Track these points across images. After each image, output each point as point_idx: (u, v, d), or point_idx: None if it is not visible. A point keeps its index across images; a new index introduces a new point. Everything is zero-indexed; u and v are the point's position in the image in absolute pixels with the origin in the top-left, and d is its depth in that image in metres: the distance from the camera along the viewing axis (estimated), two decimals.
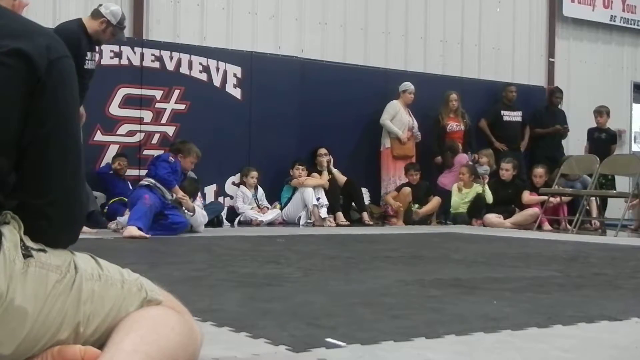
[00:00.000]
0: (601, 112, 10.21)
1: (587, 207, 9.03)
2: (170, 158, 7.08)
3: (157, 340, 1.45)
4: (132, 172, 8.11)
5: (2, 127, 1.40)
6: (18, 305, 1.35)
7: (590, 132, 10.32)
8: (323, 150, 9.08)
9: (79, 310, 1.45)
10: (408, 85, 9.55)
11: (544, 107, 10.95)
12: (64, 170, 1.49)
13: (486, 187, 9.34)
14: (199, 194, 7.54)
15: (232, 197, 8.70)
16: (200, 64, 8.68)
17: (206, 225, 7.40)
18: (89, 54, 6.17)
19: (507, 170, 9.35)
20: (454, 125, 9.93)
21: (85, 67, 6.07)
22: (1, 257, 1.34)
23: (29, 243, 1.42)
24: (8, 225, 1.41)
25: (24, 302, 1.36)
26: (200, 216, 7.07)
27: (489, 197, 9.26)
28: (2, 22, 1.46)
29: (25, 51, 1.41)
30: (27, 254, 1.39)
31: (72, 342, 1.45)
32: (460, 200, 9.35)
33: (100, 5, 6.34)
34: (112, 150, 8.10)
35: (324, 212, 8.58)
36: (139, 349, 1.40)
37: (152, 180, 6.83)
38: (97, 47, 6.46)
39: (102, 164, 8.03)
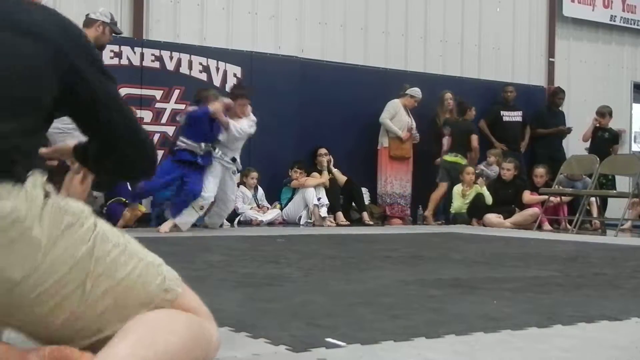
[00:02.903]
0: (603, 113, 10.16)
1: (587, 207, 9.03)
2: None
3: (153, 345, 1.44)
4: None
5: (32, 96, 1.50)
6: (34, 235, 1.40)
7: (593, 132, 10.31)
8: (323, 150, 9.07)
9: (89, 262, 1.47)
10: (417, 92, 9.42)
11: (545, 107, 10.94)
12: (130, 128, 1.70)
13: (484, 189, 9.31)
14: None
15: None
16: (200, 64, 8.68)
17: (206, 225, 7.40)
18: None
19: (509, 170, 9.33)
20: None
21: None
22: (23, 192, 1.41)
23: (49, 189, 1.49)
24: (32, 176, 1.47)
25: (39, 234, 1.41)
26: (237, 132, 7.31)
27: (489, 199, 9.24)
28: (20, 7, 1.56)
29: (44, 34, 1.53)
30: (46, 194, 1.46)
31: (77, 301, 1.45)
32: (462, 203, 9.33)
33: (88, 14, 6.40)
34: None
35: (324, 212, 8.58)
36: (134, 352, 1.40)
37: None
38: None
39: None
